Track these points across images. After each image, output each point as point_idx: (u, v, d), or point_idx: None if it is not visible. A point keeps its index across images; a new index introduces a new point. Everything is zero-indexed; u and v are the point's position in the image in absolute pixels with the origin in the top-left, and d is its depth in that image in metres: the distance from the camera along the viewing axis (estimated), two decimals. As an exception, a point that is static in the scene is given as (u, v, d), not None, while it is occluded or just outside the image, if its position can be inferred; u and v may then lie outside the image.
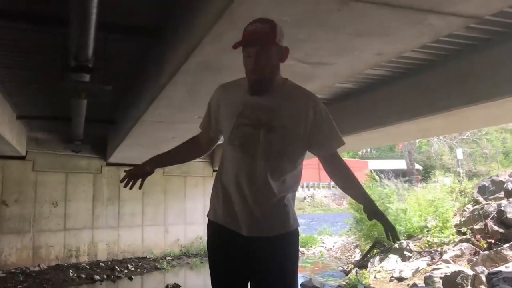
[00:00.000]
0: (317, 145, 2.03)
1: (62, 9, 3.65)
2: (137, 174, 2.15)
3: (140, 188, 2.16)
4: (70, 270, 10.82)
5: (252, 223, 1.95)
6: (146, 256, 12.75)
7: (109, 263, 11.96)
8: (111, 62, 5.04)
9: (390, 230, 2.00)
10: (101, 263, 11.80)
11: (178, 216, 13.42)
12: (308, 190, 34.29)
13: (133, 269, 11.54)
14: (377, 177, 13.74)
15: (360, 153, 40.06)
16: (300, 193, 32.19)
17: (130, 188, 2.15)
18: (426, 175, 26.57)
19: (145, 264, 12.09)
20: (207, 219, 2.13)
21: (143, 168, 2.16)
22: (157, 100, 5.37)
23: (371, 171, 16.35)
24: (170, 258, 12.87)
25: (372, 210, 2.03)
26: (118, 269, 11.27)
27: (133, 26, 4.70)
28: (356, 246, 12.79)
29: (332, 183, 35.61)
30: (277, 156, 1.94)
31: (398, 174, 20.56)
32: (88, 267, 11.47)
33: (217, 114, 2.10)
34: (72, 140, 10.35)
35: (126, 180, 2.14)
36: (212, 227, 2.10)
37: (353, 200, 12.48)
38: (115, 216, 12.39)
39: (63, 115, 8.37)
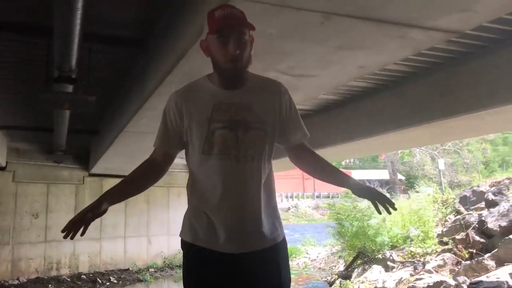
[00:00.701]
0: (287, 135, 1.89)
1: (46, 19, 3.64)
2: (90, 216, 1.72)
3: (82, 235, 1.73)
4: (51, 283, 10.65)
5: (244, 237, 1.76)
6: (128, 268, 12.60)
7: (91, 275, 11.80)
8: (95, 72, 5.03)
9: (387, 201, 1.83)
10: (82, 276, 11.63)
11: (161, 227, 13.31)
12: (292, 200, 34.31)
13: (115, 281, 11.40)
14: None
15: (343, 163, 40.34)
16: (284, 203, 32.19)
17: (72, 238, 1.72)
18: (408, 185, 26.83)
19: (128, 276, 11.96)
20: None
21: (99, 207, 1.74)
22: (141, 110, 5.35)
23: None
24: (153, 270, 12.73)
25: (360, 189, 1.87)
26: (100, 281, 11.13)
27: (117, 37, 4.70)
28: (340, 257, 12.82)
29: (317, 193, 35.78)
30: (259, 156, 1.77)
31: (382, 184, 20.71)
32: (69, 279, 11.30)
33: (178, 126, 1.81)
34: (54, 151, 10.22)
35: (69, 229, 1.70)
36: (192, 250, 1.81)
37: (335, 210, 12.56)
38: (97, 228, 12.21)
39: (45, 125, 8.28)
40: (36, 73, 5.37)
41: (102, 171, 11.47)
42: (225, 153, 1.73)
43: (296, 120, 1.91)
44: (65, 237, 1.71)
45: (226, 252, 1.75)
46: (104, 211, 1.76)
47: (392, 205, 1.83)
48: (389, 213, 1.87)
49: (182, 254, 1.88)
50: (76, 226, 1.71)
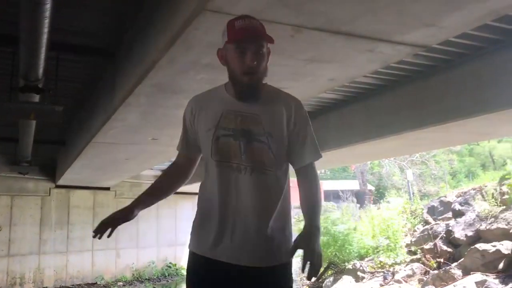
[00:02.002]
0: (297, 153, 1.80)
1: (12, 28, 3.55)
2: (118, 219, 1.81)
3: (108, 236, 1.83)
4: (14, 299, 10.30)
5: (246, 250, 1.70)
6: (96, 282, 12.32)
7: (57, 290, 11.48)
8: (62, 82, 4.92)
9: (311, 265, 1.63)
10: (47, 290, 11.30)
11: (130, 240, 13.06)
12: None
13: (82, 295, 11.11)
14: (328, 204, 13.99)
15: (314, 174, 40.48)
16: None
17: (99, 238, 1.80)
18: (378, 195, 27.20)
19: (95, 290, 11.68)
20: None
21: (131, 213, 1.83)
22: (110, 121, 5.26)
23: (325, 193, 16.56)
24: (121, 283, 12.48)
25: (302, 237, 1.69)
26: (66, 296, 10.82)
27: (85, 46, 4.63)
28: (311, 268, 12.82)
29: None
30: (262, 169, 1.72)
31: (352, 194, 20.94)
32: (33, 294, 10.96)
33: (193, 130, 1.84)
34: (19, 162, 9.92)
35: (101, 228, 1.79)
36: (196, 260, 1.78)
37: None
38: (63, 241, 11.92)
39: (10, 135, 8.05)
40: (0, 83, 5.23)
41: (69, 182, 11.21)
42: (228, 160, 1.73)
43: (310, 139, 1.83)
44: (94, 236, 1.79)
45: (219, 260, 1.71)
46: (134, 217, 1.85)
47: (314, 273, 1.65)
48: (308, 278, 1.73)
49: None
50: (106, 227, 1.80)
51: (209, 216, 1.76)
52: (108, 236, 1.82)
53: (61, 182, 11.32)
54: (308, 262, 1.63)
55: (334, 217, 11.56)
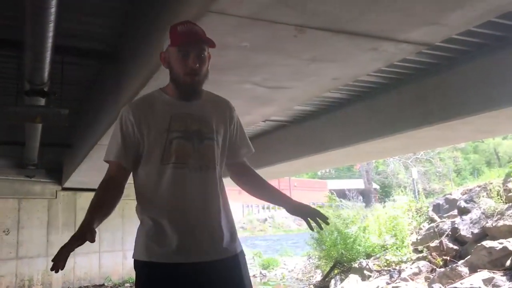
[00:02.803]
0: (234, 151, 1.98)
1: (17, 32, 3.58)
2: (71, 249, 1.62)
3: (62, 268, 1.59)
4: (22, 301, 10.36)
5: (203, 245, 1.76)
6: (103, 284, 12.37)
7: (65, 292, 11.54)
8: (67, 85, 4.96)
9: (318, 216, 1.89)
10: (55, 292, 11.36)
11: (137, 241, 13.11)
12: (269, 211, 34.30)
13: (89, 297, 11.16)
14: (336, 198, 13.96)
15: (319, 173, 40.59)
16: (260, 214, 32.16)
17: (60, 270, 1.58)
18: (383, 194, 27.17)
19: (103, 292, 11.73)
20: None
21: (84, 237, 1.64)
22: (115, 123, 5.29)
23: (331, 191, 16.54)
24: (128, 285, 12.51)
25: (293, 206, 1.96)
26: (74, 297, 10.87)
27: (90, 50, 4.66)
28: (317, 267, 12.84)
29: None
30: (213, 165, 1.83)
31: (358, 193, 20.92)
32: (41, 297, 11.01)
33: (135, 137, 1.81)
34: (26, 165, 9.99)
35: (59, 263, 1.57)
36: (149, 269, 1.75)
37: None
38: (71, 243, 11.94)
39: (16, 139, 8.11)
40: (6, 87, 5.27)
41: (75, 185, 11.25)
42: (183, 161, 1.78)
43: (243, 136, 2.02)
44: (55, 271, 1.58)
45: (185, 262, 1.73)
46: (94, 236, 1.66)
47: (325, 219, 1.90)
48: (321, 228, 1.95)
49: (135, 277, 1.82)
50: (66, 255, 1.60)
51: (166, 220, 1.75)
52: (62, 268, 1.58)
53: (67, 184, 11.36)
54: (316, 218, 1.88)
55: (344, 216, 11.54)
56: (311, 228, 1.91)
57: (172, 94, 1.87)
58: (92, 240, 1.63)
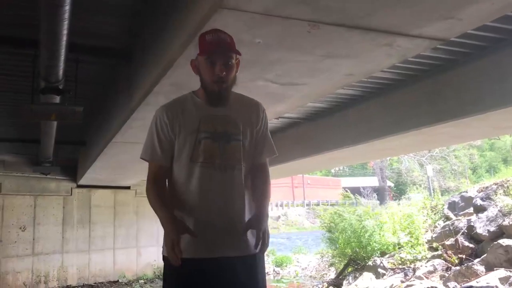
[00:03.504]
0: (258, 152, 2.05)
1: (32, 31, 3.61)
2: (176, 238, 1.86)
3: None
4: (39, 297, 10.49)
5: (228, 241, 1.88)
6: (118, 280, 12.46)
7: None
8: (82, 83, 4.99)
9: (262, 241, 1.88)
10: (71, 288, 11.48)
11: (151, 238, 13.17)
12: (282, 208, 34.27)
13: (104, 293, 11.26)
14: (351, 195, 13.91)
15: (333, 170, 40.43)
16: (274, 212, 32.14)
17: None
18: (397, 191, 26.98)
19: (117, 288, 11.83)
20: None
21: (184, 225, 1.88)
22: (129, 120, 5.31)
23: (345, 189, 16.49)
24: (143, 281, 12.61)
25: (247, 221, 1.92)
26: (89, 293, 10.98)
27: (104, 48, 4.69)
28: (331, 265, 12.81)
29: (307, 201, 35.79)
30: (239, 166, 1.94)
31: (372, 191, 20.82)
32: (57, 292, 11.14)
33: (170, 137, 1.96)
34: (41, 162, 10.10)
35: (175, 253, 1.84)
36: (191, 265, 1.86)
37: (324, 219, 12.58)
38: (85, 240, 12.09)
39: (32, 137, 8.20)
40: (22, 85, 5.33)
41: (90, 182, 11.37)
42: (210, 161, 1.90)
43: (265, 139, 2.08)
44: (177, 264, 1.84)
45: (208, 257, 1.86)
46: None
47: (265, 248, 1.91)
48: (259, 253, 1.93)
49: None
50: (176, 251, 1.84)
51: (192, 217, 1.90)
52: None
53: (82, 181, 11.48)
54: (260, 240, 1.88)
55: (360, 212, 11.47)
56: (255, 247, 1.88)
57: (202, 97, 1.99)
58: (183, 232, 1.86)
